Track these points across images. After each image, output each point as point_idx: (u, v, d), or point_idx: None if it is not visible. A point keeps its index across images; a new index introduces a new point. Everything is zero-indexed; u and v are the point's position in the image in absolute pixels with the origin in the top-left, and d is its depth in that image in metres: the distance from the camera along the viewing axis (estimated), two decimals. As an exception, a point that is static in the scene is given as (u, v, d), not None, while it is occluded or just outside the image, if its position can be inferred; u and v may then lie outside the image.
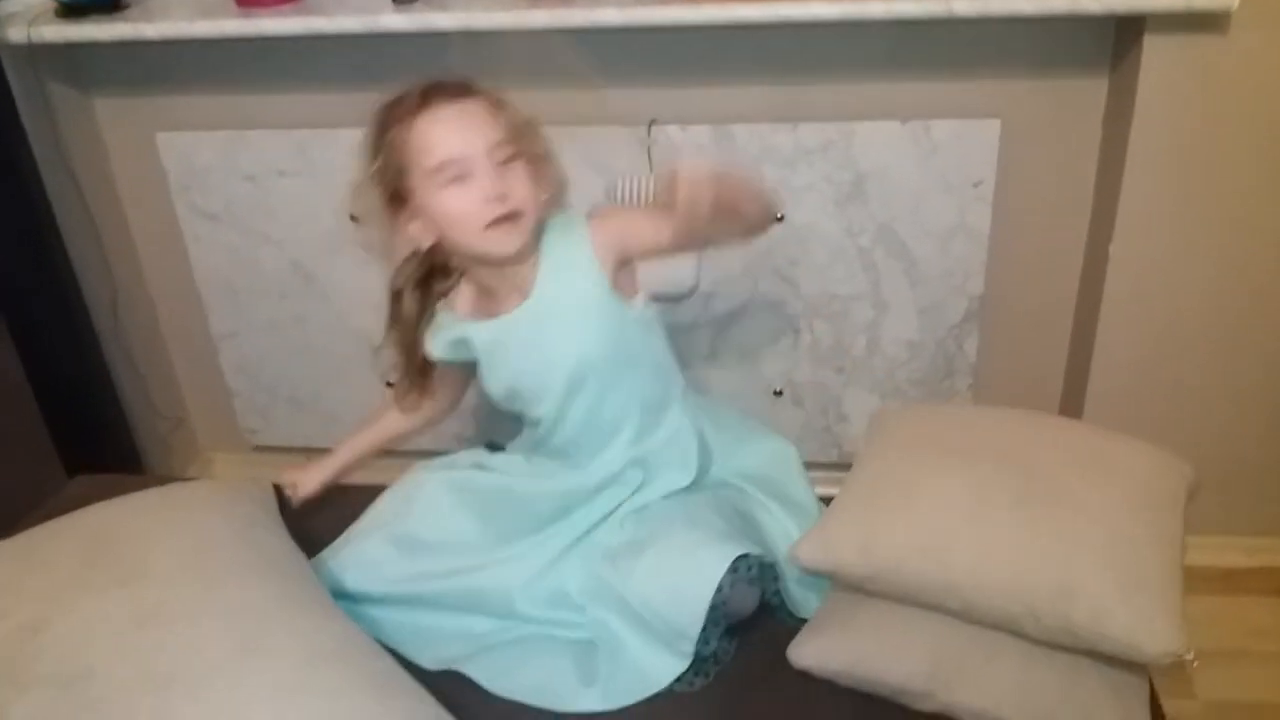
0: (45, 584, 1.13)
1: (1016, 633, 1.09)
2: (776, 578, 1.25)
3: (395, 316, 1.35)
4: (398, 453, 1.50)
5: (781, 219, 1.78)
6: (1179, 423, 1.81)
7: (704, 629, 1.17)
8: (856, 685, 1.14)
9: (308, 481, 1.46)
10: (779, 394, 1.99)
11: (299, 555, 1.27)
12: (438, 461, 1.42)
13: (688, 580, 1.18)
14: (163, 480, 1.54)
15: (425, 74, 1.24)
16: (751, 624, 1.23)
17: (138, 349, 2.11)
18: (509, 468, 1.40)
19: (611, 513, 1.33)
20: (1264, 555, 1.91)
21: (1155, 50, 1.57)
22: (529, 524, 1.33)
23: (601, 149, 1.77)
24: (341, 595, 1.31)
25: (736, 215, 1.16)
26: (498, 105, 1.23)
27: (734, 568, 1.17)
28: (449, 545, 1.32)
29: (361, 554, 1.32)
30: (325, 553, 1.34)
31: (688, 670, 1.19)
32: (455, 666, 1.24)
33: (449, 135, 1.20)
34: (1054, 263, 1.88)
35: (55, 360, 1.93)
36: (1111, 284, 1.75)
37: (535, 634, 1.28)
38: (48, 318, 1.93)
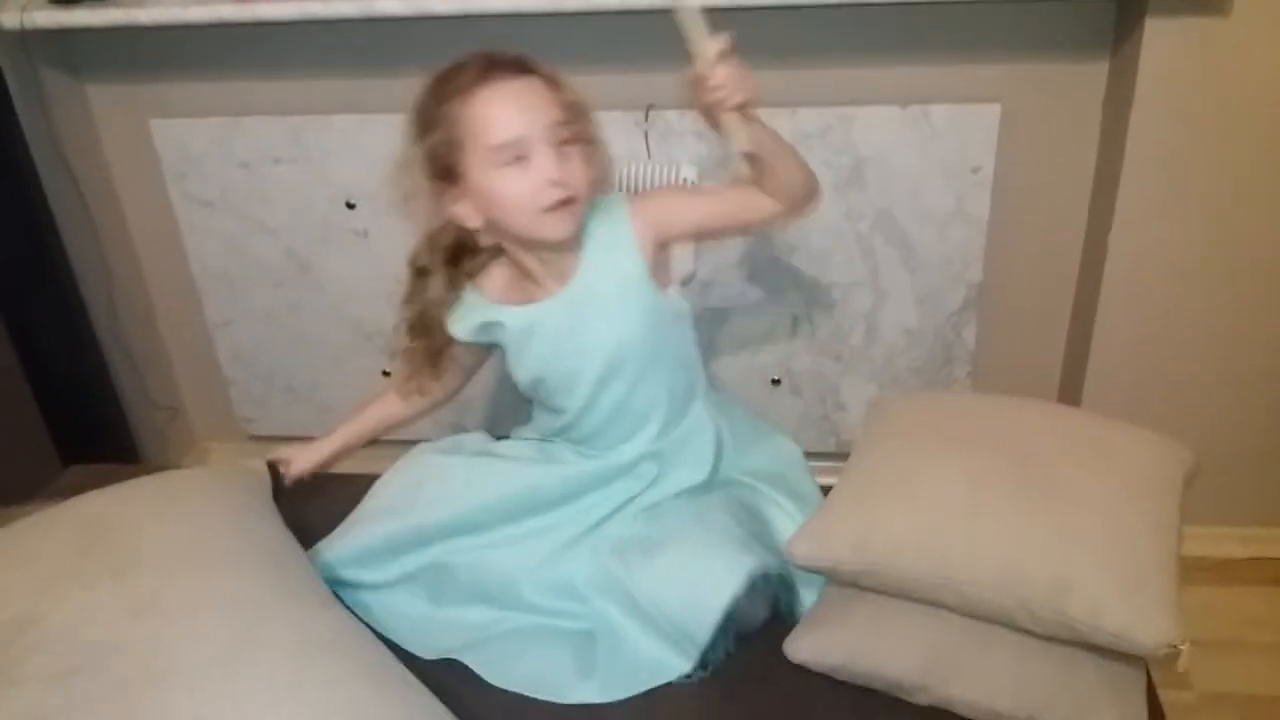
0: (38, 577, 1.12)
1: (1012, 625, 1.08)
2: (790, 587, 1.24)
3: (418, 294, 1.31)
4: (390, 441, 1.49)
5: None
6: (1176, 411, 1.81)
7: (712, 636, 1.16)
8: (853, 679, 1.14)
9: (302, 460, 1.44)
10: (777, 382, 1.98)
11: (294, 544, 1.26)
12: (444, 443, 1.40)
13: (702, 588, 1.16)
14: (158, 471, 1.53)
15: (461, 50, 1.20)
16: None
17: (133, 338, 2.10)
18: (520, 453, 1.37)
19: (624, 505, 1.31)
20: (1260, 545, 1.91)
21: (1157, 33, 1.56)
22: (539, 508, 1.31)
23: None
24: (345, 582, 1.30)
25: (778, 159, 1.13)
26: (555, 83, 1.20)
27: (751, 584, 1.16)
28: (458, 529, 1.30)
29: (369, 538, 1.30)
30: (330, 538, 1.32)
31: None
32: (453, 656, 1.23)
33: (511, 114, 1.16)
34: (1053, 249, 1.87)
35: (50, 349, 1.93)
36: (1110, 271, 1.74)
37: (534, 624, 1.26)
38: (42, 306, 1.92)
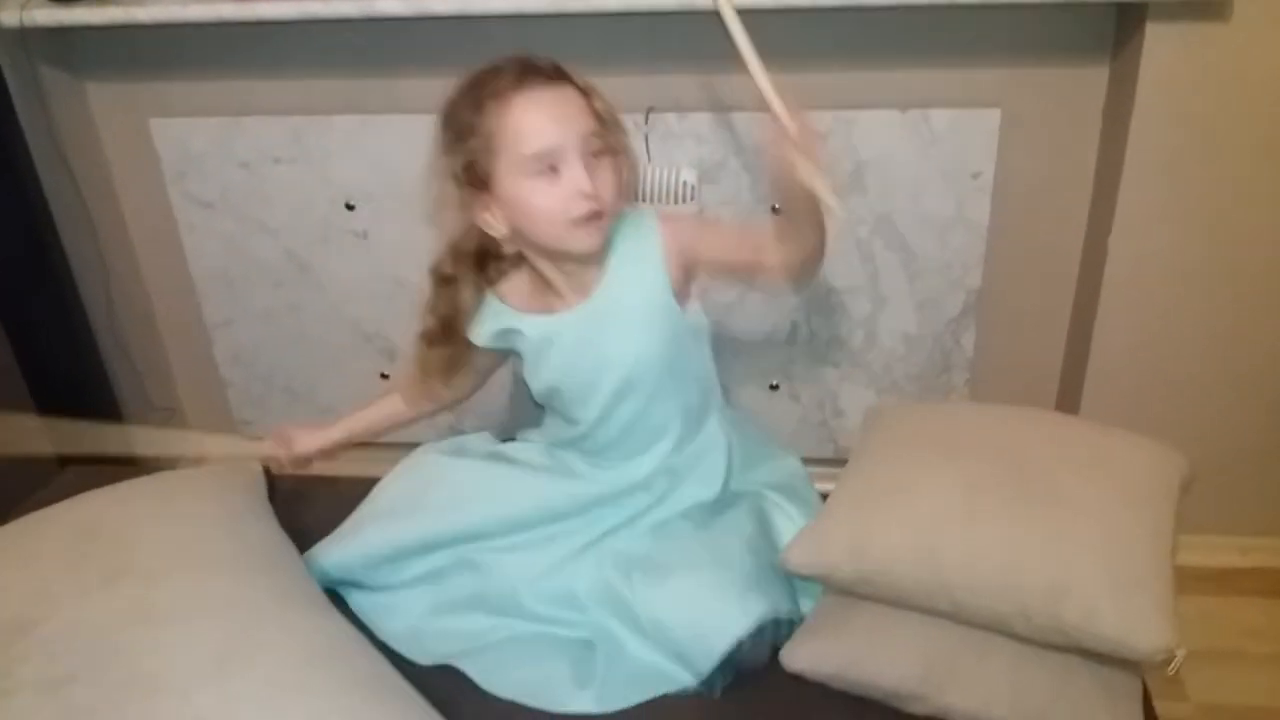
0: (31, 582, 1.11)
1: (1008, 632, 1.08)
2: (794, 624, 1.21)
3: (442, 301, 1.29)
4: (389, 444, 1.49)
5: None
6: (1175, 418, 1.80)
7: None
8: (850, 689, 1.14)
9: (306, 440, 1.41)
10: (775, 388, 1.98)
11: (290, 547, 1.26)
12: (448, 444, 1.39)
13: (708, 626, 1.14)
14: (154, 471, 1.53)
15: (503, 53, 1.18)
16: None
17: (131, 338, 2.10)
18: (529, 458, 1.37)
19: (633, 519, 1.30)
20: (1258, 555, 1.90)
21: (1157, 38, 1.56)
22: (546, 518, 1.30)
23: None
24: (344, 584, 1.30)
25: (807, 213, 1.11)
26: (588, 92, 1.19)
27: (759, 629, 1.14)
28: (463, 538, 1.29)
29: (371, 541, 1.29)
30: (330, 538, 1.31)
31: None
32: (450, 662, 1.22)
33: (545, 123, 1.14)
34: (1052, 256, 1.87)
35: (48, 349, 1.93)
36: (1110, 276, 1.74)
37: (532, 633, 1.26)
38: (40, 305, 1.92)
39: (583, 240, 1.18)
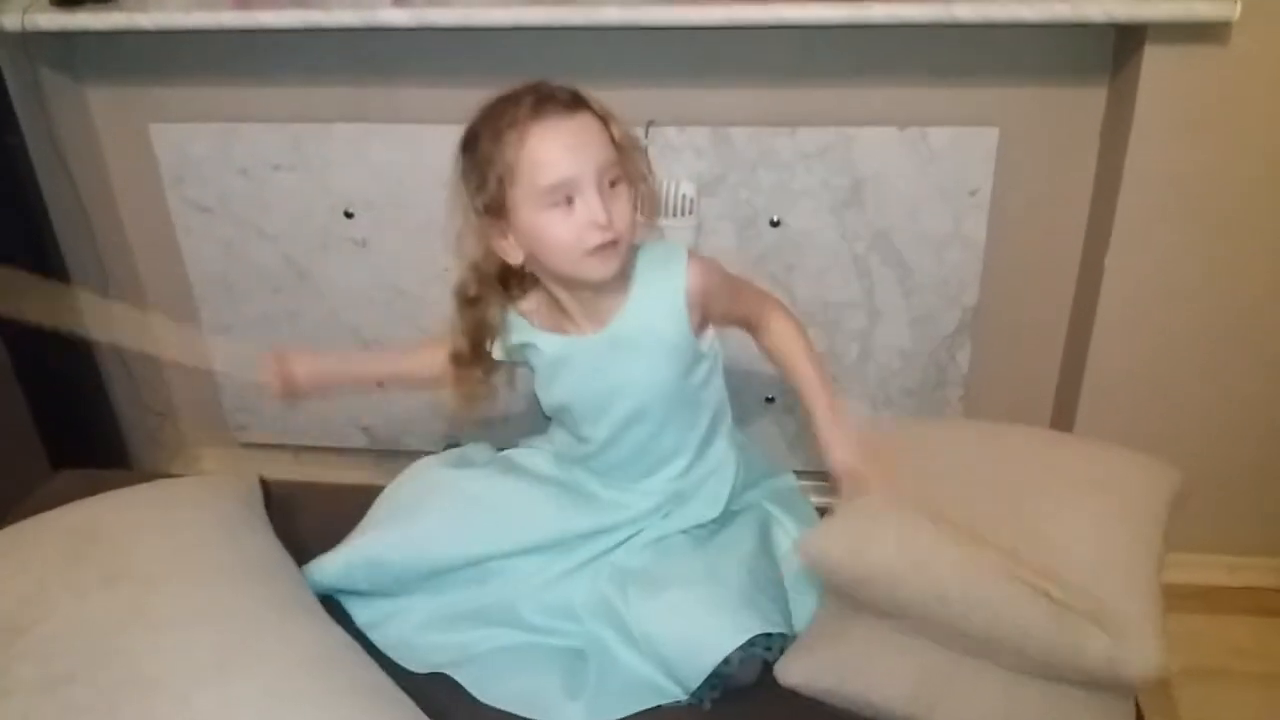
0: (28, 584, 1.11)
1: (1001, 652, 1.08)
2: (786, 640, 1.21)
3: (470, 322, 1.29)
4: (390, 452, 1.48)
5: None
6: (1168, 437, 1.81)
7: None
8: (843, 705, 1.14)
9: (307, 363, 1.38)
10: (770, 400, 1.98)
11: (285, 556, 1.26)
12: (449, 455, 1.39)
13: (698, 641, 1.14)
14: (148, 476, 1.53)
15: (524, 76, 1.18)
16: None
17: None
18: (537, 466, 1.36)
19: (633, 536, 1.31)
20: (1248, 574, 1.90)
21: (1156, 60, 1.56)
22: (552, 542, 1.30)
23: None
24: (340, 592, 1.30)
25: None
26: (607, 120, 1.18)
27: (751, 642, 1.14)
28: (467, 560, 1.29)
29: (372, 546, 1.28)
30: (336, 548, 1.30)
31: None
32: (443, 671, 1.22)
33: (562, 155, 1.13)
34: (1049, 274, 1.88)
35: (42, 352, 1.92)
36: (1106, 297, 1.74)
37: (526, 642, 1.26)
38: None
39: (597, 269, 1.18)
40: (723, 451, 1.35)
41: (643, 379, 1.26)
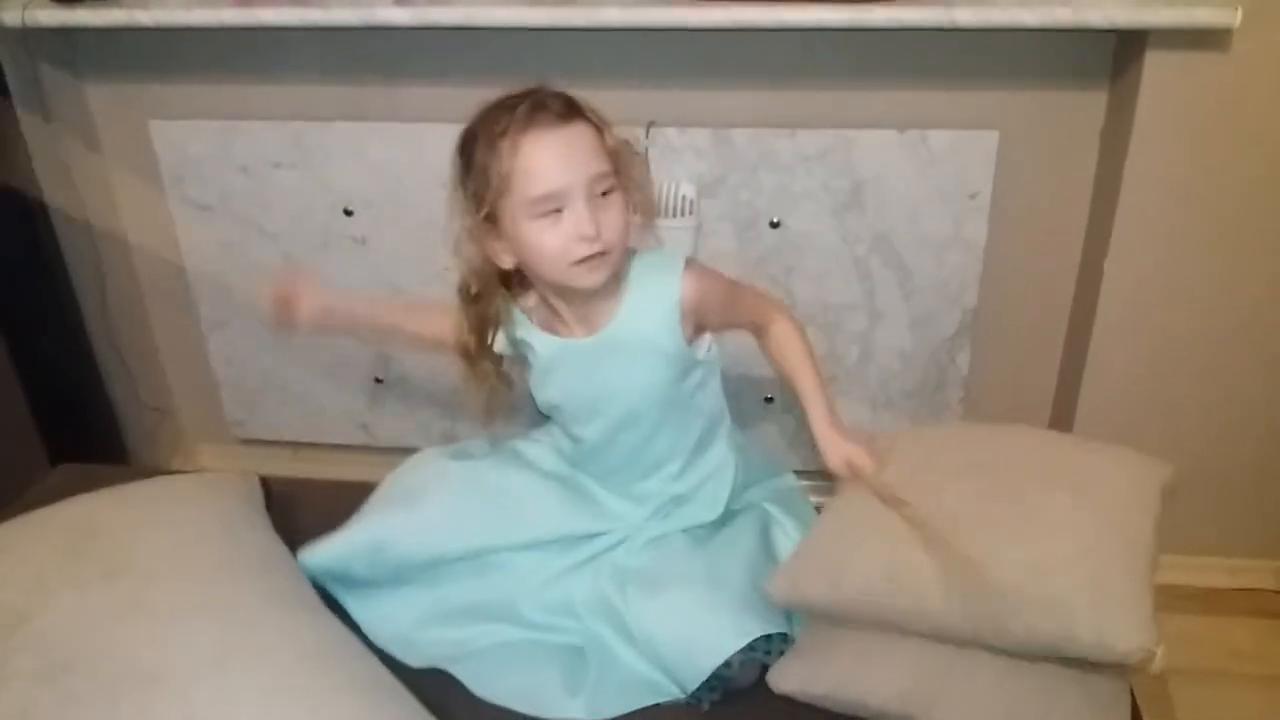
0: (27, 576, 1.11)
1: (990, 647, 1.08)
2: (786, 641, 1.21)
3: (475, 317, 1.29)
4: (389, 449, 1.48)
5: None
6: (1167, 439, 1.81)
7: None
8: (839, 709, 1.14)
9: (312, 296, 1.36)
10: (769, 400, 1.98)
11: (285, 552, 1.26)
12: (449, 449, 1.39)
13: (699, 642, 1.14)
14: (147, 472, 1.53)
15: (522, 79, 1.17)
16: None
17: (125, 338, 2.09)
18: (539, 459, 1.37)
19: (632, 535, 1.31)
20: (1247, 576, 1.91)
21: (1156, 66, 1.57)
22: (549, 540, 1.30)
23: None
24: (339, 582, 1.29)
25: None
26: (601, 128, 1.18)
27: (751, 645, 1.14)
28: (464, 537, 1.29)
29: (371, 531, 1.28)
30: (330, 536, 1.29)
31: None
32: (442, 666, 1.23)
33: (552, 166, 1.13)
34: (1048, 276, 1.88)
35: (41, 347, 1.92)
36: (1105, 300, 1.75)
37: (525, 639, 1.26)
38: (35, 304, 1.91)
39: (585, 278, 1.18)
40: (721, 454, 1.35)
41: (634, 384, 1.26)
